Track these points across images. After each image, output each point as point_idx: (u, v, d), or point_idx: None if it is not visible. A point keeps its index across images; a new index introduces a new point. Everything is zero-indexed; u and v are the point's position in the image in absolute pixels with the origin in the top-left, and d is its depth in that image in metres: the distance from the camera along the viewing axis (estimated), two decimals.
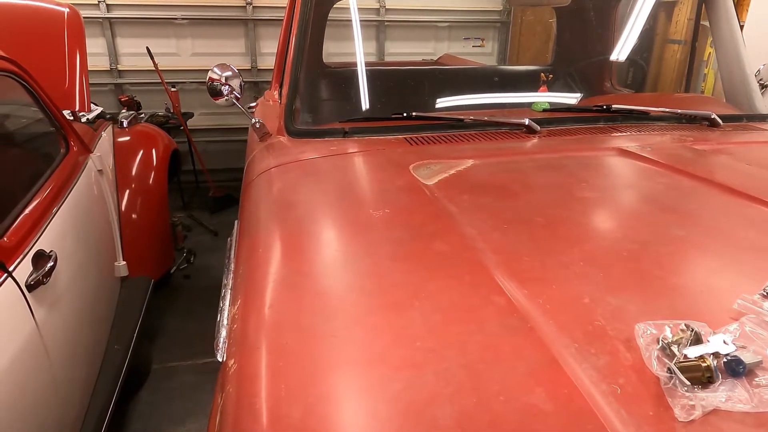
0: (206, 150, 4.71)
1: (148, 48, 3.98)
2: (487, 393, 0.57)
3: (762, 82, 2.25)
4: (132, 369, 2.10)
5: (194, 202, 4.52)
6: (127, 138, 2.89)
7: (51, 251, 1.51)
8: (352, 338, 0.67)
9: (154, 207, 2.76)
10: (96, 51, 4.44)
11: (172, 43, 4.60)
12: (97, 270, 2.08)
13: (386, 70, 2.68)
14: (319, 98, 2.24)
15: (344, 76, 2.03)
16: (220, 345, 0.84)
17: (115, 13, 4.35)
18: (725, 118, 1.77)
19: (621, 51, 2.46)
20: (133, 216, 2.64)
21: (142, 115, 4.14)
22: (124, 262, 2.45)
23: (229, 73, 1.83)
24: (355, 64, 1.95)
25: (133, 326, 2.23)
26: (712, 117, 1.69)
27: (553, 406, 0.54)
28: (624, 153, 1.37)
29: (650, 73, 4.09)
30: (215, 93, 1.82)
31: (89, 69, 4.43)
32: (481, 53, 5.37)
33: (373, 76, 1.91)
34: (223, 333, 0.86)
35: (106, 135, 2.69)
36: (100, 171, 2.32)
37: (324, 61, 2.91)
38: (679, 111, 1.72)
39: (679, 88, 3.80)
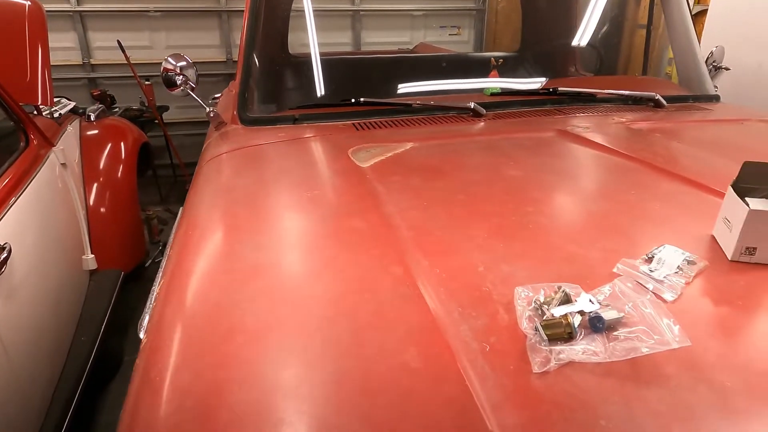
0: (183, 144, 4.70)
1: (119, 41, 3.95)
2: (366, 354, 0.61)
3: (715, 64, 2.30)
4: (102, 361, 2.12)
5: (172, 195, 4.52)
6: (95, 131, 2.89)
7: (5, 243, 1.53)
8: (254, 309, 0.70)
9: (123, 200, 2.76)
10: (67, 45, 4.40)
11: (146, 36, 4.57)
12: (61, 263, 2.09)
13: (344, 58, 2.70)
14: (283, 87, 2.25)
15: (304, 65, 2.05)
16: (144, 323, 0.87)
17: (86, 6, 4.31)
18: (671, 99, 1.81)
19: (587, 36, 2.49)
20: (102, 209, 2.64)
21: (116, 110, 4.12)
22: (92, 255, 2.46)
23: (183, 63, 1.84)
24: (321, 54, 1.97)
25: (101, 318, 2.25)
26: (656, 98, 1.73)
27: (421, 364, 0.58)
28: (562, 133, 1.41)
29: (621, 58, 4.12)
30: (170, 84, 1.83)
31: (61, 64, 4.40)
32: (458, 41, 5.38)
33: (328, 64, 1.93)
34: (148, 312, 0.89)
35: (72, 129, 2.69)
36: (63, 164, 2.32)
37: (293, 50, 2.92)
38: (625, 93, 1.76)
39: (647, 73, 3.85)
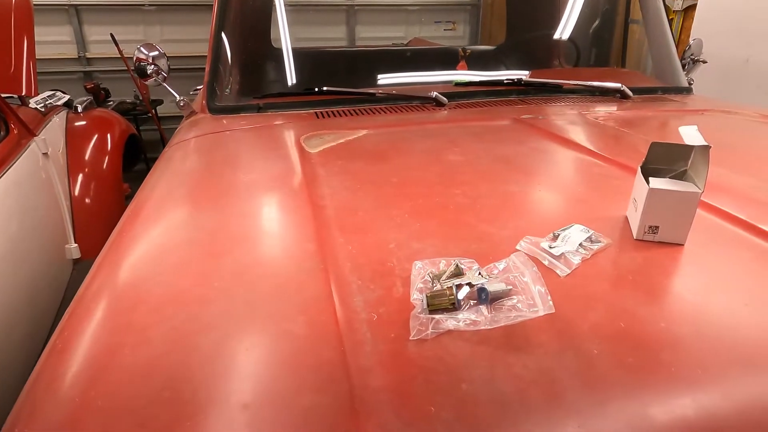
0: None
1: (112, 34, 4.00)
2: (255, 322, 0.63)
3: (693, 57, 2.29)
4: None
5: None
6: (82, 123, 2.93)
7: None
8: (162, 282, 0.72)
9: (108, 190, 2.80)
10: (63, 39, 4.46)
11: (140, 29, 4.61)
12: (41, 250, 2.13)
13: (315, 51, 2.71)
14: (256, 78, 2.27)
15: (278, 56, 2.07)
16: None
17: (81, 0, 4.36)
18: (639, 91, 1.81)
19: (571, 30, 2.49)
20: (86, 199, 2.68)
21: (110, 103, 4.17)
22: (76, 245, 2.49)
23: (155, 53, 1.87)
24: (305, 48, 1.99)
25: None
26: (622, 89, 1.74)
27: (305, 331, 0.60)
28: (516, 122, 1.42)
29: (612, 52, 4.11)
30: (142, 74, 1.86)
31: (56, 57, 4.45)
32: (453, 37, 5.38)
33: (298, 55, 1.95)
34: None
35: (58, 119, 2.73)
36: (45, 154, 2.36)
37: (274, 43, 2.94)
38: (590, 83, 1.77)
39: (638, 68, 3.84)
